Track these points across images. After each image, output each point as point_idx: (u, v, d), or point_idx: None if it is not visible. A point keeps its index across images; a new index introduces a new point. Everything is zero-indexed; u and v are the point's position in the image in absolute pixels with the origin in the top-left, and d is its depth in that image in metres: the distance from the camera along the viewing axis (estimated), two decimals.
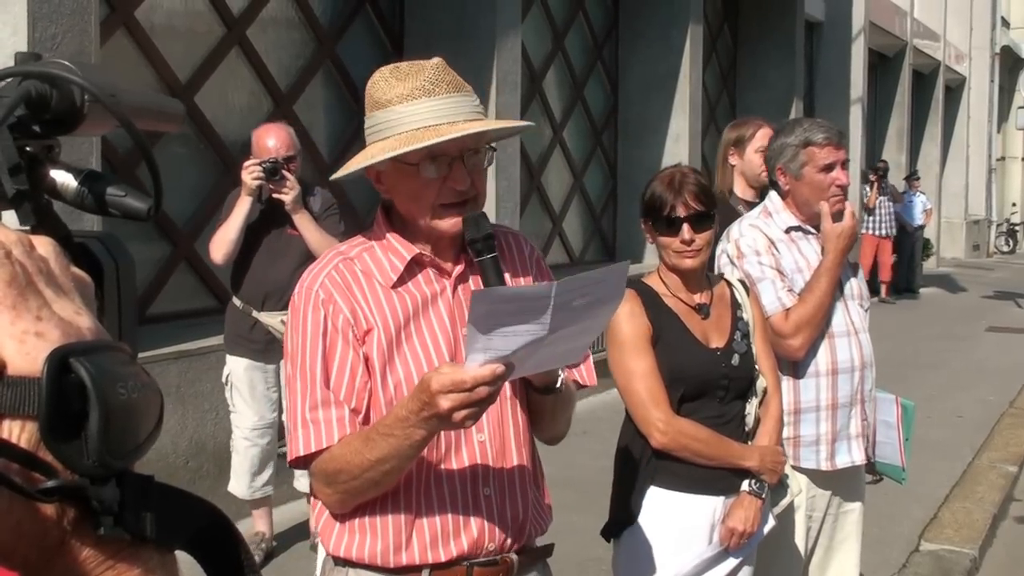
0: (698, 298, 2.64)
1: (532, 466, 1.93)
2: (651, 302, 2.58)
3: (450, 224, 1.74)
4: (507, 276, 1.78)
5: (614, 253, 10.62)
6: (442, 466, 1.78)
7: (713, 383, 2.59)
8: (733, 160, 4.24)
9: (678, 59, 10.20)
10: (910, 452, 3.26)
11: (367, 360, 1.75)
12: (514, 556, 1.85)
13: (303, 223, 4.23)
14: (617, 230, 10.68)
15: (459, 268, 1.82)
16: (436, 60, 1.74)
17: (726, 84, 13.36)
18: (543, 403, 1.87)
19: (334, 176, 1.80)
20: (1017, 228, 26.67)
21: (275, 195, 4.23)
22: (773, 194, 3.19)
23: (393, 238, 1.81)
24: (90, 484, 0.51)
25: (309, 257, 3.90)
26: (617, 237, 10.68)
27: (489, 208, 7.29)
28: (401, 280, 1.79)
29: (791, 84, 13.28)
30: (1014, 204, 27.74)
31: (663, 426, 2.51)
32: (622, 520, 2.59)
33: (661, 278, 2.65)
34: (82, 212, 0.73)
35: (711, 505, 2.58)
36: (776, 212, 3.14)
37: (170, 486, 0.55)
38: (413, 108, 1.68)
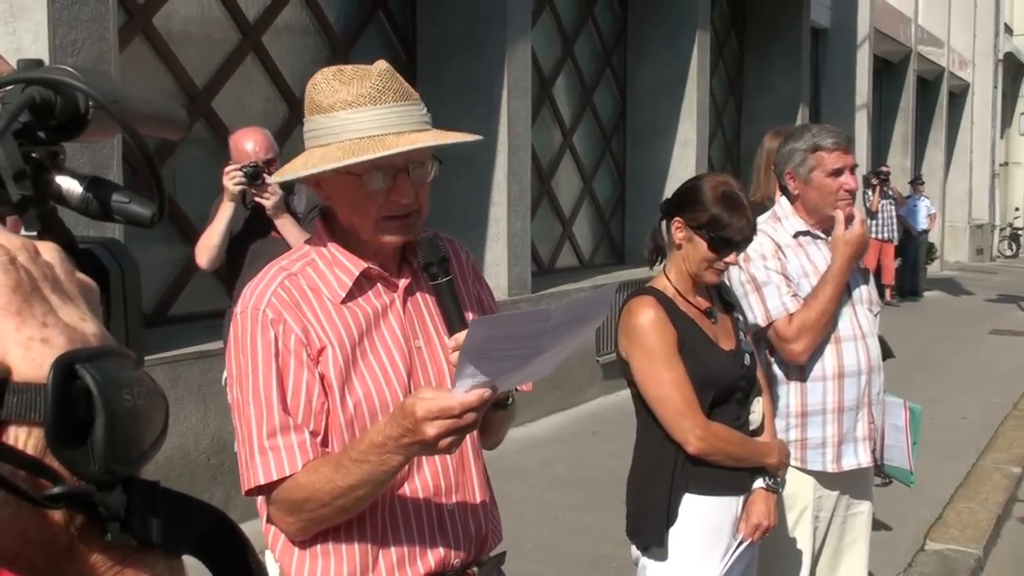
0: (704, 303, 2.63)
1: (485, 477, 1.87)
2: (671, 309, 2.54)
3: (393, 237, 1.67)
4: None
5: (623, 256, 10.60)
6: (406, 485, 1.70)
7: (735, 385, 2.58)
8: None
9: (686, 65, 10.17)
10: (918, 456, 3.23)
11: (323, 379, 1.65)
12: (475, 569, 1.79)
13: (284, 226, 4.17)
14: (626, 233, 10.66)
15: (405, 280, 1.74)
16: (383, 66, 1.64)
17: (733, 90, 13.33)
18: (493, 418, 1.78)
19: (271, 179, 1.71)
20: (1020, 232, 26.54)
21: (256, 199, 4.17)
22: (783, 199, 3.18)
23: (338, 251, 1.71)
24: (96, 490, 0.50)
25: None
26: (626, 240, 10.66)
27: (501, 211, 7.29)
28: (351, 295, 1.69)
29: (797, 90, 13.25)
30: (1017, 209, 27.59)
31: (701, 432, 2.48)
32: (660, 527, 2.53)
33: (672, 283, 2.61)
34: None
35: (734, 505, 2.59)
36: (785, 217, 3.13)
37: (175, 491, 0.54)
38: (357, 116, 1.59)
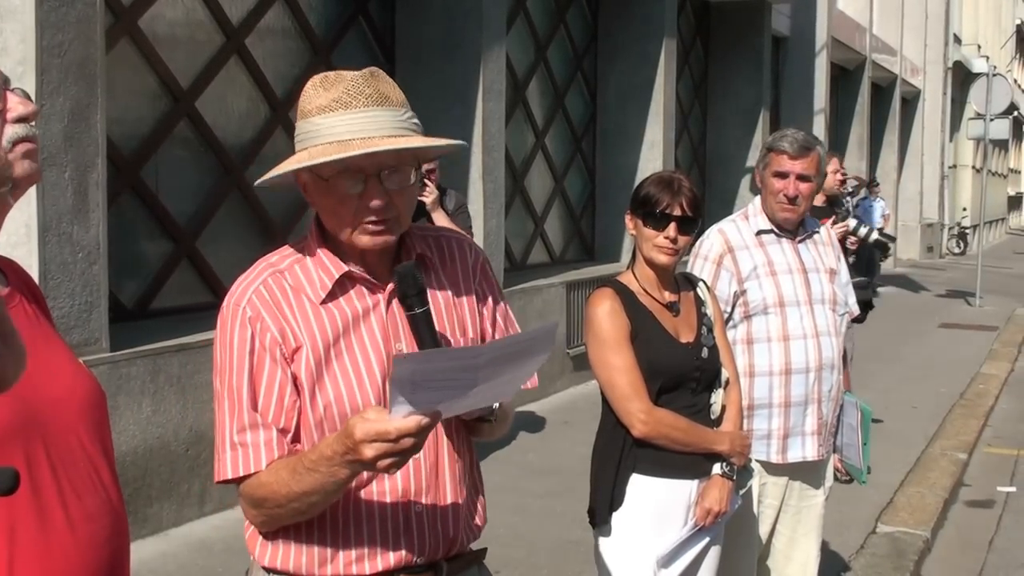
0: (668, 296, 2.65)
1: (468, 481, 1.78)
2: (629, 301, 2.58)
3: (369, 241, 1.61)
4: (440, 309, 1.69)
5: (593, 253, 10.60)
6: (374, 486, 1.65)
7: (687, 375, 2.59)
8: None
9: (653, 71, 10.18)
10: (868, 455, 3.24)
11: (295, 379, 1.61)
12: (443, 563, 1.73)
13: (439, 219, 4.88)
14: (596, 231, 10.66)
15: (391, 283, 1.66)
16: (362, 71, 1.58)
17: (698, 95, 13.36)
18: (482, 428, 1.76)
19: (257, 182, 1.63)
20: (967, 231, 26.81)
21: (418, 197, 4.62)
22: (756, 196, 3.19)
23: (323, 252, 1.67)
24: None
25: None
26: (595, 238, 10.66)
27: (476, 209, 7.25)
28: (331, 296, 1.65)
29: (759, 95, 13.29)
30: (965, 209, 27.86)
31: (644, 416, 2.51)
32: (606, 506, 2.57)
33: (635, 276, 2.64)
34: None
35: (687, 488, 2.59)
36: (754, 215, 3.14)
37: None
38: (329, 121, 1.56)
